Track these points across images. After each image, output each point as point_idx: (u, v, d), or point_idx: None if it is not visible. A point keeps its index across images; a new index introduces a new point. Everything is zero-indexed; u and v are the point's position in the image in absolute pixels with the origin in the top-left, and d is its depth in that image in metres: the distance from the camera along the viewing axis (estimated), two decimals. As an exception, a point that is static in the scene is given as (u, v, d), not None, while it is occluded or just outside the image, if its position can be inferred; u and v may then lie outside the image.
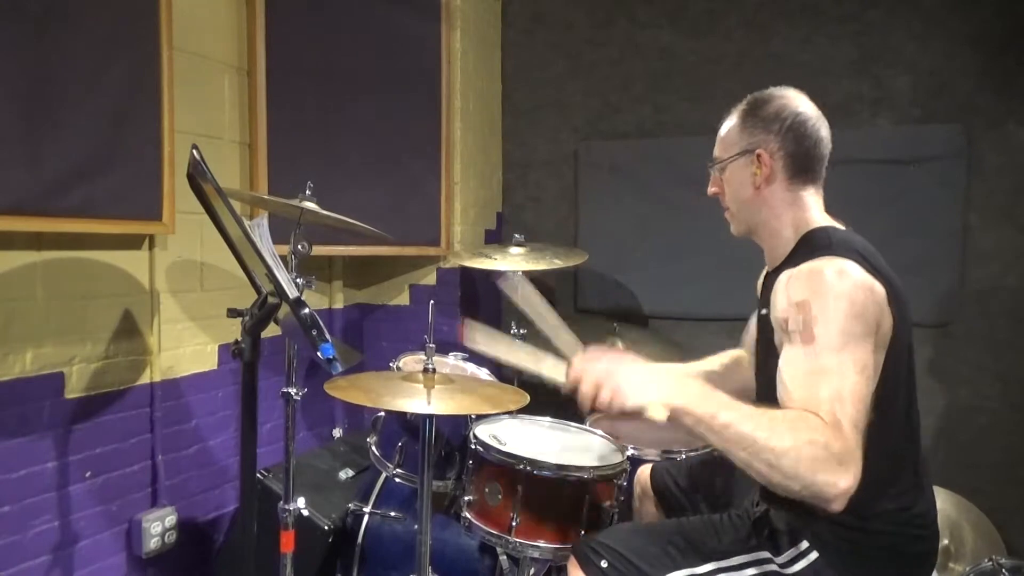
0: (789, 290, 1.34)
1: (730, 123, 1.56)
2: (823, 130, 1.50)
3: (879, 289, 1.31)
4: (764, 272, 1.62)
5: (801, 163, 1.48)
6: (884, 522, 1.38)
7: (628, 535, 1.55)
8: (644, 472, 1.97)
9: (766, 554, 1.43)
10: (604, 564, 1.48)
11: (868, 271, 1.32)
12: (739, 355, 1.85)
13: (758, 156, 1.49)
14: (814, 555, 1.38)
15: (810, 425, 1.18)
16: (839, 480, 1.15)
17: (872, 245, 1.51)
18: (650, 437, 2.11)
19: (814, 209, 1.50)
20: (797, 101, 1.50)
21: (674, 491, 1.86)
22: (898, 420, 1.39)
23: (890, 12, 2.78)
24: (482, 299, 3.26)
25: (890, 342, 1.33)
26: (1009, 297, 2.68)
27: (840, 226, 1.51)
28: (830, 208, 1.56)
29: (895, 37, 2.78)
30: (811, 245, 1.43)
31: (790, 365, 1.29)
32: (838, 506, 1.17)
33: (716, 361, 1.88)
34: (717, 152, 1.59)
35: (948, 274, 2.71)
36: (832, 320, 1.26)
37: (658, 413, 1.27)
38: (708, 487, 1.86)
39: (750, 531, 1.48)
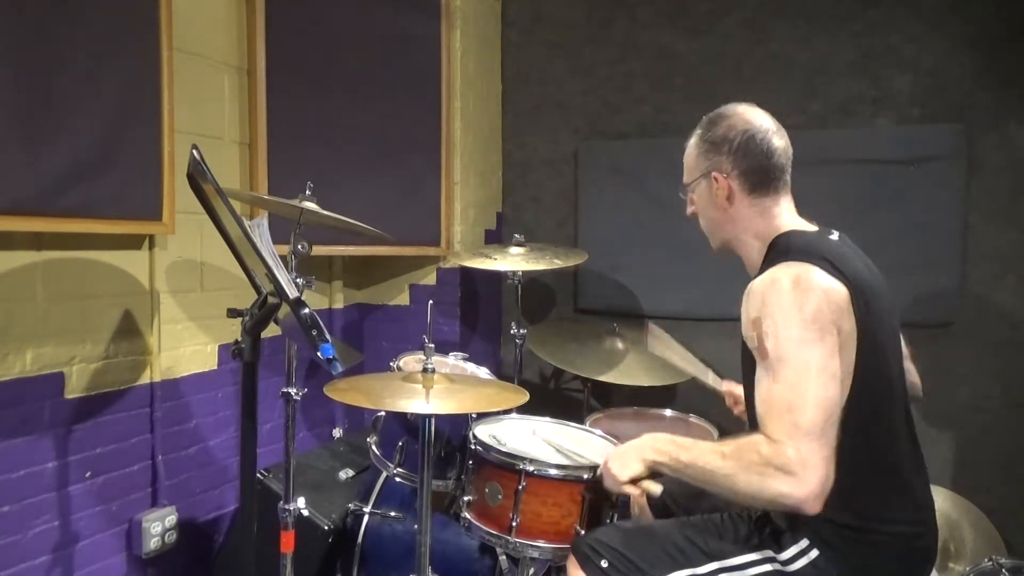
0: (747, 307, 1.41)
1: (689, 148, 1.63)
2: (776, 140, 1.53)
3: (839, 291, 1.35)
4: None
5: (757, 177, 1.53)
6: (881, 519, 1.39)
7: (628, 534, 1.55)
8: None
9: (767, 552, 1.43)
10: (604, 564, 1.48)
11: (829, 273, 1.36)
12: None
13: (715, 178, 1.55)
14: (815, 553, 1.39)
15: (752, 446, 1.31)
16: (791, 490, 1.25)
17: (866, 245, 1.53)
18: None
19: (781, 215, 1.54)
20: (748, 116, 1.54)
21: (670, 504, 1.85)
22: (880, 418, 1.40)
23: (890, 12, 2.78)
24: (482, 299, 3.26)
25: (860, 340, 1.36)
26: (1009, 297, 2.67)
27: (810, 227, 1.53)
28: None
29: (895, 37, 2.78)
30: (774, 252, 1.49)
31: (756, 383, 1.37)
32: (810, 509, 1.26)
33: None
34: (684, 177, 1.67)
35: (948, 274, 2.71)
36: (782, 332, 1.32)
37: (654, 487, 1.53)
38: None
39: (751, 530, 1.49)
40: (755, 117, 1.54)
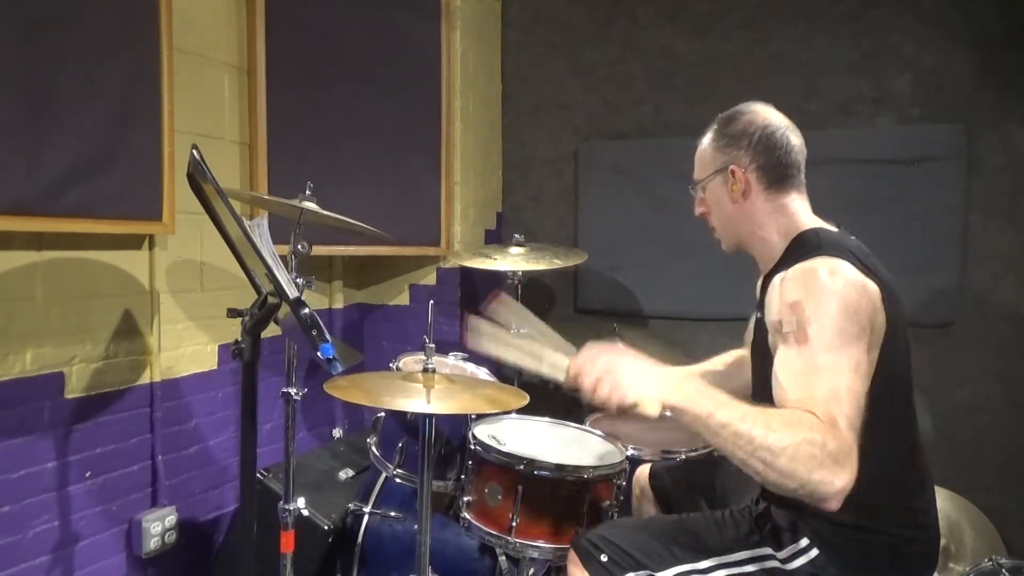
0: (783, 291, 1.36)
1: (703, 145, 1.61)
2: (794, 138, 1.53)
3: (872, 288, 1.33)
4: (762, 275, 1.63)
5: (775, 172, 1.52)
6: (884, 521, 1.38)
7: (629, 530, 1.55)
8: (643, 472, 1.97)
9: (767, 550, 1.43)
10: (605, 558, 1.48)
11: (861, 270, 1.34)
12: (742, 355, 1.86)
13: (732, 172, 1.53)
14: (815, 552, 1.39)
15: (807, 424, 1.18)
16: (835, 479, 1.16)
17: (867, 245, 1.52)
18: (650, 437, 2.11)
19: (800, 213, 1.53)
20: (765, 114, 1.54)
21: (673, 491, 1.86)
22: (895, 419, 1.40)
23: (890, 12, 2.78)
24: (482, 299, 3.26)
25: (884, 341, 1.34)
26: (1009, 297, 2.68)
27: (831, 227, 1.52)
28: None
29: (895, 37, 2.78)
30: (802, 247, 1.46)
31: (785, 366, 1.30)
32: (835, 504, 1.19)
33: (719, 361, 1.90)
34: (695, 174, 1.64)
35: (948, 274, 2.71)
36: (825, 319, 1.27)
37: (652, 408, 1.30)
38: (707, 488, 1.86)
39: (751, 527, 1.48)
40: (773, 114, 1.55)
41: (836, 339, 1.26)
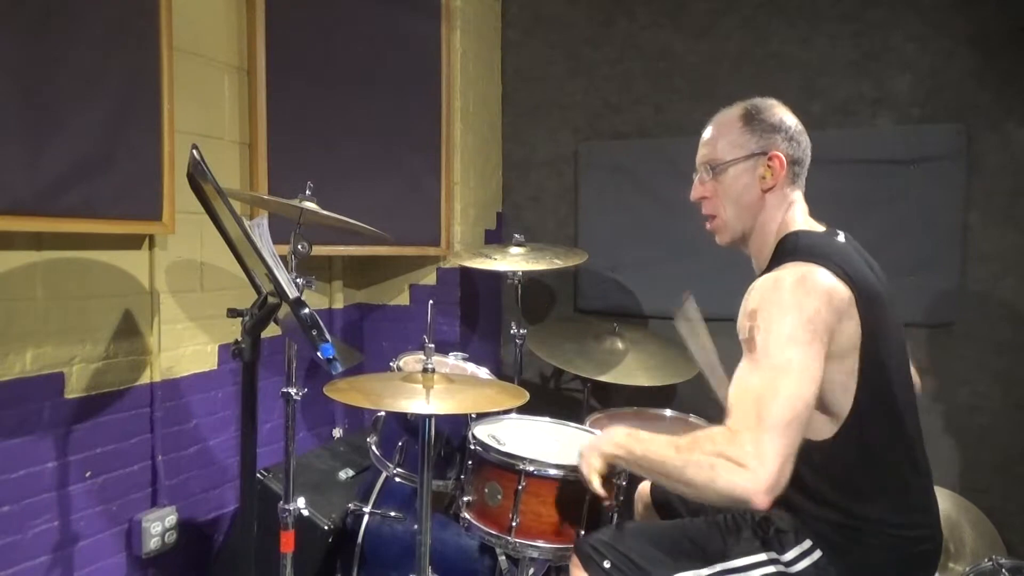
0: (746, 300, 1.39)
1: (730, 125, 1.55)
2: (808, 139, 1.57)
3: (842, 293, 1.33)
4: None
5: (798, 168, 1.54)
6: (885, 522, 1.38)
7: (632, 536, 1.55)
8: (644, 487, 1.95)
9: (771, 554, 1.43)
10: (607, 564, 1.48)
11: (836, 275, 1.35)
12: None
13: (772, 158, 1.50)
14: (818, 554, 1.38)
15: (708, 438, 1.28)
16: (742, 482, 1.21)
17: (867, 245, 1.52)
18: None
19: (797, 213, 1.53)
20: (789, 112, 1.56)
21: (676, 503, 1.85)
22: (883, 423, 1.39)
23: (890, 12, 2.78)
24: (482, 299, 3.26)
25: (862, 344, 1.34)
26: (1009, 297, 2.67)
27: (819, 228, 1.53)
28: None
29: (895, 37, 2.78)
30: (781, 253, 1.48)
31: (737, 371, 1.35)
32: (758, 504, 1.21)
33: None
34: (717, 154, 1.56)
35: (948, 274, 2.71)
36: (774, 327, 1.30)
37: (596, 482, 1.51)
38: None
39: (754, 531, 1.48)
40: (791, 114, 1.56)
41: (781, 345, 1.28)
